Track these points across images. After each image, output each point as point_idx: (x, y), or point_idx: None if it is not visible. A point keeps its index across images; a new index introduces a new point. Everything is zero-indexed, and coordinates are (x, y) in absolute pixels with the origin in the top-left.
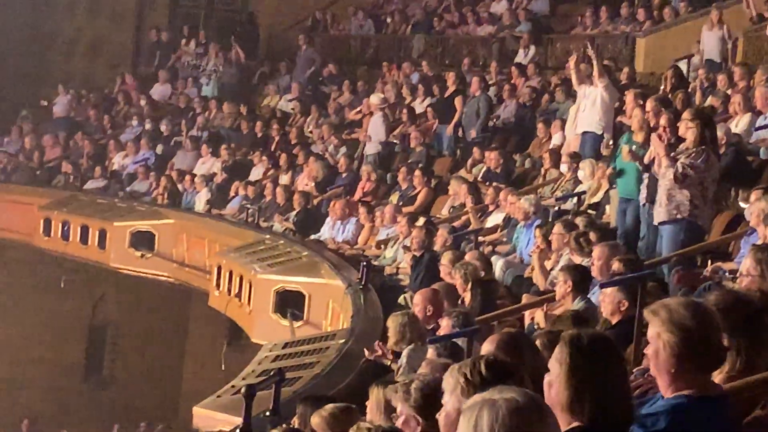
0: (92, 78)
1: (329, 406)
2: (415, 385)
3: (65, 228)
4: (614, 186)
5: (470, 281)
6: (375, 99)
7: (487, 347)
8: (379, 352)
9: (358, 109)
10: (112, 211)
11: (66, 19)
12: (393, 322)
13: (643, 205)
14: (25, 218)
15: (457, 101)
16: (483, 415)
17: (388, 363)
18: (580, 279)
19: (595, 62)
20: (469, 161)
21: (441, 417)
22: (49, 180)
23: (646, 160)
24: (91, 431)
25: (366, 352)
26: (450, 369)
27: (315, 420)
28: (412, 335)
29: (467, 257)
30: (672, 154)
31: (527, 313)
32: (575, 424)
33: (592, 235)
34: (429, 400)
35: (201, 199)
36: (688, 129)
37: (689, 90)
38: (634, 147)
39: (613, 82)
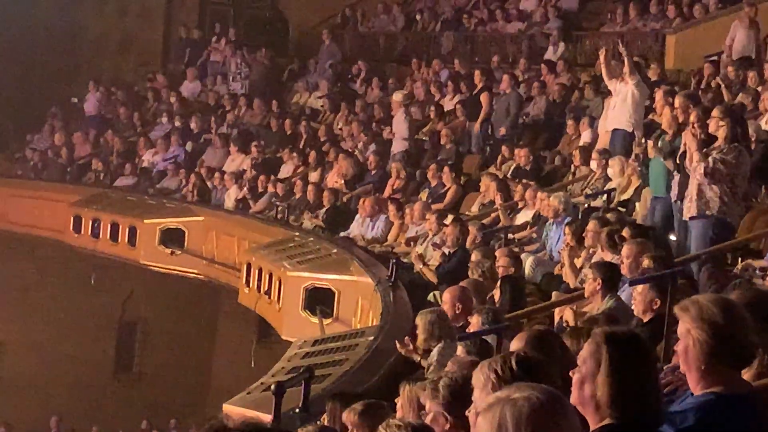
0: (122, 75)
1: (360, 403)
2: (443, 383)
3: (95, 225)
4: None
5: (491, 279)
6: (397, 96)
7: (516, 344)
8: (410, 347)
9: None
10: (142, 208)
11: (95, 16)
12: (422, 321)
13: (675, 201)
14: (55, 215)
15: (484, 98)
16: (506, 413)
17: (418, 359)
18: (610, 276)
19: (626, 59)
20: (499, 158)
21: (471, 414)
22: (79, 177)
23: (679, 159)
24: (121, 427)
25: (397, 345)
26: (480, 365)
27: (345, 416)
28: (442, 333)
29: (497, 254)
30: (704, 150)
31: (557, 311)
32: (606, 421)
33: (626, 232)
34: (457, 398)
35: (230, 197)
36: (719, 127)
37: (712, 85)
38: (660, 143)
39: (643, 79)
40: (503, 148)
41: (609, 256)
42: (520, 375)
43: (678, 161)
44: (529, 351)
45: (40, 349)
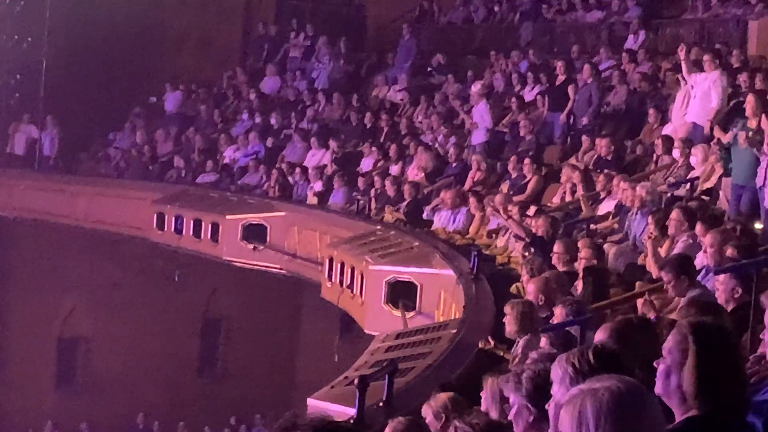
0: (202, 73)
1: (442, 395)
2: (526, 375)
3: (178, 222)
4: (730, 169)
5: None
6: (475, 87)
7: (600, 335)
8: (491, 345)
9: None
10: (223, 204)
11: (175, 15)
12: (513, 311)
13: (759, 188)
14: (138, 213)
15: (570, 89)
16: (586, 405)
17: (501, 353)
18: (683, 269)
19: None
20: (581, 149)
21: (550, 408)
22: (161, 175)
23: (766, 148)
24: (206, 424)
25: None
26: (558, 359)
27: (425, 408)
28: (531, 324)
29: (579, 245)
30: None
31: (640, 301)
32: (692, 412)
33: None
34: (541, 390)
35: (312, 191)
36: None
37: None
38: (749, 133)
39: (725, 66)
40: (584, 138)
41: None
42: (598, 368)
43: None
44: (612, 342)
45: (125, 346)
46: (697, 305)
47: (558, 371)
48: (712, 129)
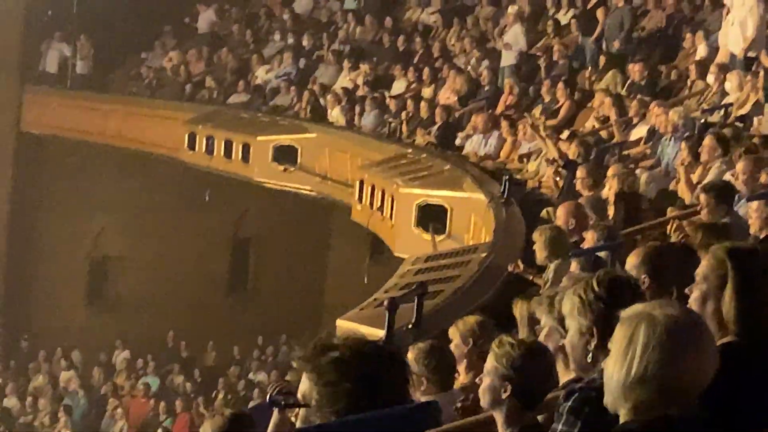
0: None
1: (469, 318)
2: (559, 298)
3: (209, 142)
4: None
5: (624, 192)
6: (512, 9)
7: (631, 261)
8: (520, 269)
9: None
10: (255, 125)
11: None
12: (540, 236)
13: None
14: (170, 133)
15: (599, 13)
16: (640, 328)
17: (531, 277)
18: (725, 196)
19: None
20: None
21: (567, 342)
22: (193, 95)
23: None
24: (235, 344)
25: (509, 267)
26: (567, 293)
27: (452, 330)
28: (561, 250)
29: (610, 171)
30: None
31: (671, 227)
32: (729, 338)
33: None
34: None
35: (343, 113)
36: None
37: None
38: None
39: None
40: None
41: None
42: (604, 296)
43: None
44: (643, 268)
45: (156, 266)
46: (704, 227)
47: (567, 304)
48: (746, 56)
